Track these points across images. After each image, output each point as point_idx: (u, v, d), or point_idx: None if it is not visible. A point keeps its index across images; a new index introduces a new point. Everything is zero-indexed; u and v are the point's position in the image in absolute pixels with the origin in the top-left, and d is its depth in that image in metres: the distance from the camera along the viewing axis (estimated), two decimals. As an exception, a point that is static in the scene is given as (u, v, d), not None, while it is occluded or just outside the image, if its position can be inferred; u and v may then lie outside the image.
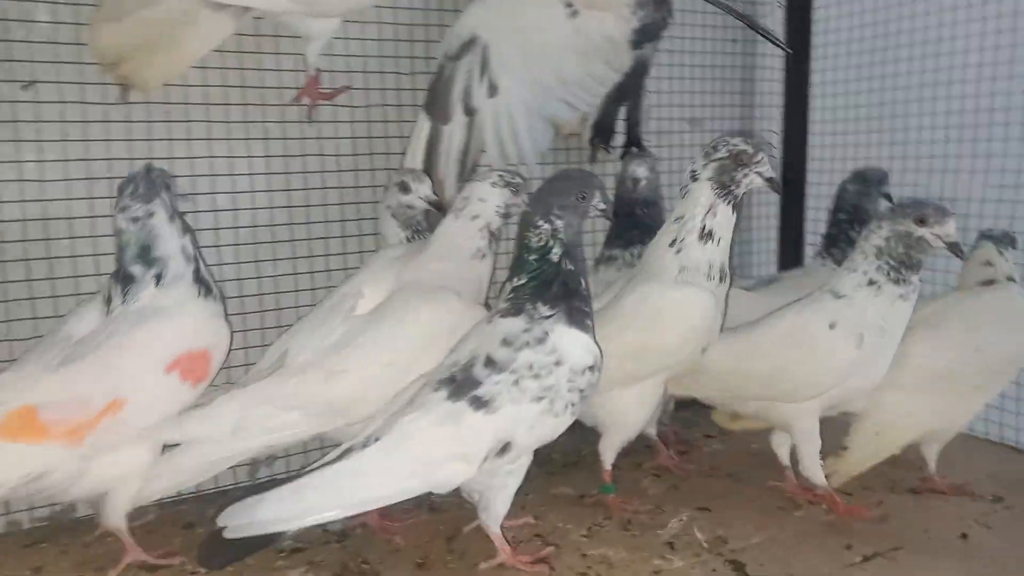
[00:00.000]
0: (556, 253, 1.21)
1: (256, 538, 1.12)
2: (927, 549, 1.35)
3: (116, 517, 1.26)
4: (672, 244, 1.39)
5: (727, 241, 1.39)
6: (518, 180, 1.46)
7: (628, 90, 1.92)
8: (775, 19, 2.16)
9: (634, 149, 1.98)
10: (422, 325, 1.33)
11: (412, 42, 1.77)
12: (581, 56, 1.75)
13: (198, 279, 1.29)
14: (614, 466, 1.51)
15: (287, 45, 1.63)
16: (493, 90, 1.69)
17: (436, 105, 1.69)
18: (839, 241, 1.80)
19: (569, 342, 1.18)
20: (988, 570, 1.29)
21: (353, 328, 1.35)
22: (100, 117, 1.48)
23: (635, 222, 1.76)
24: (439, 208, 1.58)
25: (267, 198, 1.65)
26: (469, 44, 1.66)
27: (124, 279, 1.26)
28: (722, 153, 1.37)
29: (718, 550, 1.34)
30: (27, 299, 1.46)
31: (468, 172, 1.72)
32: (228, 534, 1.11)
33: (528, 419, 1.16)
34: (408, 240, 1.58)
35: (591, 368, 1.19)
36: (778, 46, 2.09)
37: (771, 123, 2.21)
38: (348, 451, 1.16)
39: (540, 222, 1.21)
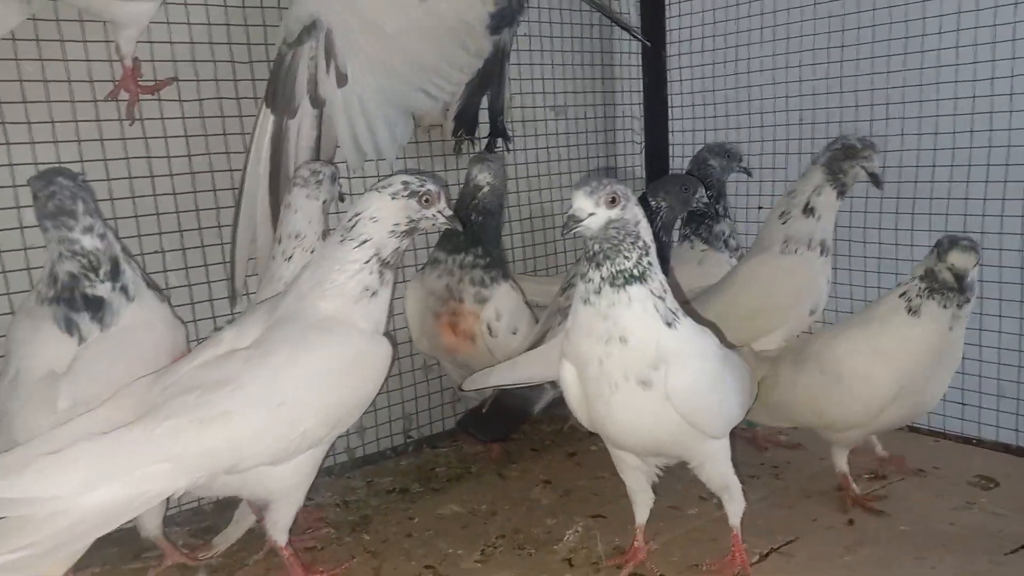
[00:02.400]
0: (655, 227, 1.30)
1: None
2: (818, 539, 1.34)
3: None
4: (781, 216, 1.61)
5: (827, 220, 1.59)
6: (429, 188, 1.20)
7: (489, 78, 1.81)
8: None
9: (498, 141, 1.90)
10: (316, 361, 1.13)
11: (247, 27, 1.58)
12: (435, 40, 1.62)
13: (149, 282, 1.26)
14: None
15: (95, 31, 1.40)
16: (342, 79, 1.53)
17: (279, 97, 1.51)
18: (704, 219, 1.81)
19: None
20: (877, 552, 1.30)
21: (227, 365, 1.12)
22: None
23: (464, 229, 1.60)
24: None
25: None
26: (311, 28, 1.49)
27: (91, 303, 1.20)
28: (836, 145, 1.57)
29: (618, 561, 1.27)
30: None
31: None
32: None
33: None
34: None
35: None
36: (635, 37, 2.07)
37: (632, 109, 2.18)
38: None
39: (651, 201, 1.44)
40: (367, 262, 1.17)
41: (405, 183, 1.19)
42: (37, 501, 0.98)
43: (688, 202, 1.48)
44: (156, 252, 1.49)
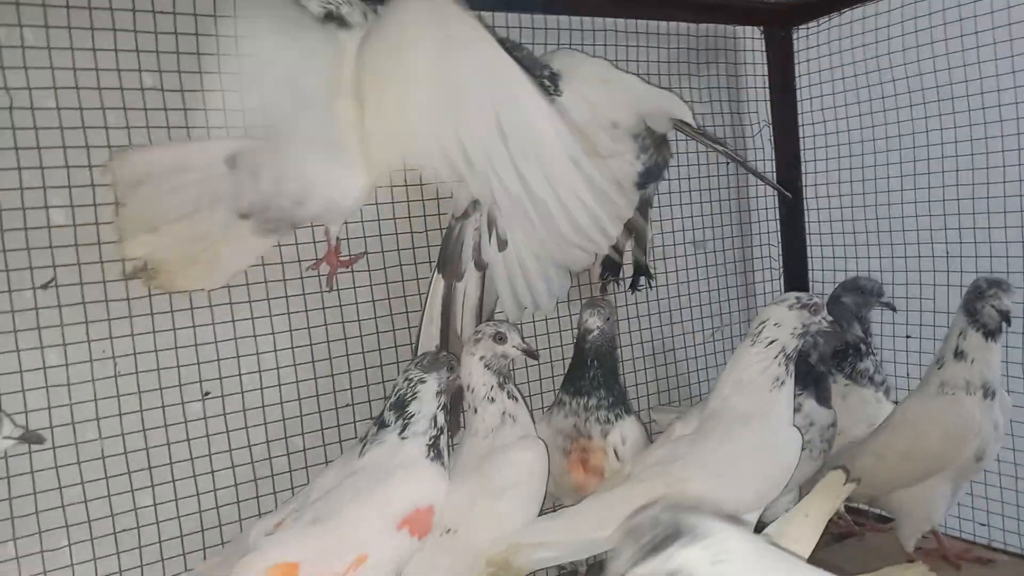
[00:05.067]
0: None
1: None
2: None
3: None
4: (937, 362, 1.70)
5: (983, 362, 1.64)
6: (815, 300, 1.52)
7: (634, 225, 1.98)
8: (763, 136, 2.25)
9: (641, 279, 2.05)
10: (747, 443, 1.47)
11: (423, 201, 1.83)
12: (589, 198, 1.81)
13: (433, 444, 1.44)
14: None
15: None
16: (503, 244, 1.72)
17: (449, 264, 1.73)
18: (848, 355, 1.84)
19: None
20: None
21: (677, 447, 1.50)
22: (124, 313, 1.50)
23: (586, 372, 1.74)
24: (534, 357, 1.65)
25: (292, 372, 1.67)
26: (475, 203, 1.71)
27: (380, 422, 1.43)
28: (970, 288, 1.68)
29: None
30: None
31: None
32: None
33: None
34: (499, 386, 1.56)
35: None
36: (775, 187, 2.17)
37: (769, 237, 2.27)
38: None
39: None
40: (775, 358, 1.48)
41: (797, 298, 1.52)
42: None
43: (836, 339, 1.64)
44: (347, 405, 1.73)
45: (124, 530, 1.48)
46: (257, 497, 1.60)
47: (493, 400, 1.58)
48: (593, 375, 1.75)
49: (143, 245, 1.43)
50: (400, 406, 1.43)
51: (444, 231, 1.74)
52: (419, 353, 1.69)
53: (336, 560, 1.32)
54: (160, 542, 1.51)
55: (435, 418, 1.45)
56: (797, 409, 1.62)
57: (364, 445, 1.44)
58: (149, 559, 1.50)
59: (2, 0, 1.39)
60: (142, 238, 1.43)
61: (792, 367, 1.49)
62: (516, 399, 1.59)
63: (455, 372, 1.52)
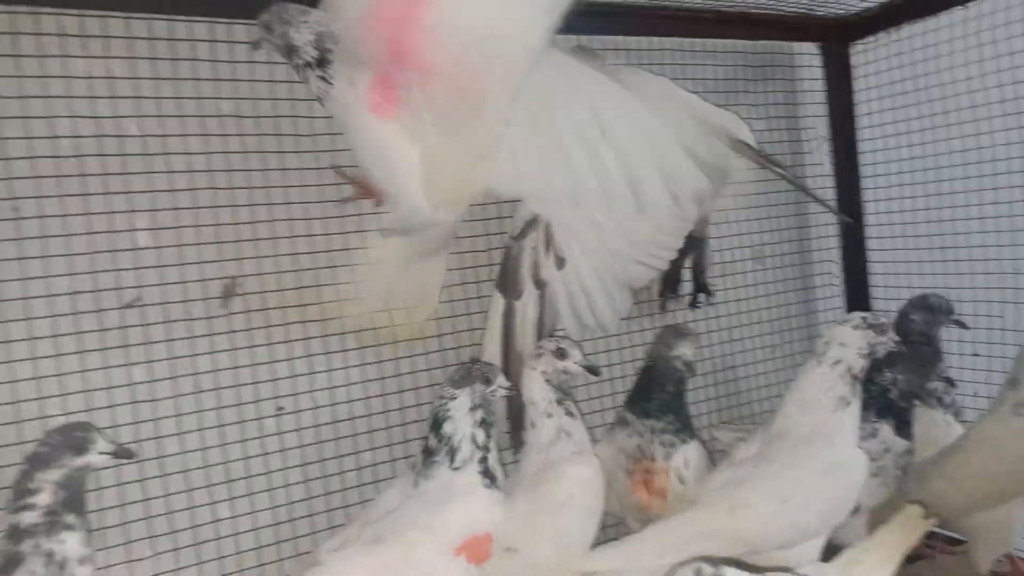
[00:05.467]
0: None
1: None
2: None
3: None
4: (1010, 382, 1.64)
5: None
6: (882, 320, 1.52)
7: (693, 242, 1.99)
8: (822, 153, 2.24)
9: (700, 296, 2.06)
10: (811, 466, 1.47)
11: (486, 220, 1.87)
12: (648, 216, 1.77)
13: (484, 469, 1.41)
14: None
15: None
16: (561, 263, 1.75)
17: (507, 283, 1.76)
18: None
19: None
20: None
21: (741, 470, 1.51)
22: (204, 331, 1.57)
23: (656, 395, 1.75)
24: (595, 373, 1.66)
25: (362, 389, 1.72)
26: (532, 223, 1.74)
27: (426, 451, 1.42)
28: None
29: None
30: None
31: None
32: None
33: None
34: (557, 402, 1.58)
35: None
36: (835, 214, 2.15)
37: (830, 253, 2.26)
38: None
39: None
40: (840, 377, 1.48)
41: (863, 318, 1.51)
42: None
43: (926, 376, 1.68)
44: (413, 422, 1.76)
45: (204, 541, 1.54)
46: (328, 511, 1.65)
47: (551, 415, 1.59)
48: (664, 399, 1.75)
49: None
50: (436, 426, 1.42)
51: (503, 250, 1.78)
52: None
53: None
54: (238, 553, 1.57)
55: (474, 437, 1.42)
56: (873, 435, 1.61)
57: (416, 475, 1.44)
58: (228, 570, 1.56)
59: (89, 34, 1.48)
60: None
61: (859, 387, 1.48)
62: (573, 415, 1.59)
63: (492, 384, 1.48)
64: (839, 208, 2.18)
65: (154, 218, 1.53)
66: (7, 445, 1.39)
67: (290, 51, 1.36)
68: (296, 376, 1.64)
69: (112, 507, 1.48)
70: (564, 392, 1.59)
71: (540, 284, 1.81)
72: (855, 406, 1.49)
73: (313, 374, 1.66)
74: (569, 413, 1.59)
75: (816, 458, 1.47)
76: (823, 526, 1.49)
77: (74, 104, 1.47)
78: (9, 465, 1.38)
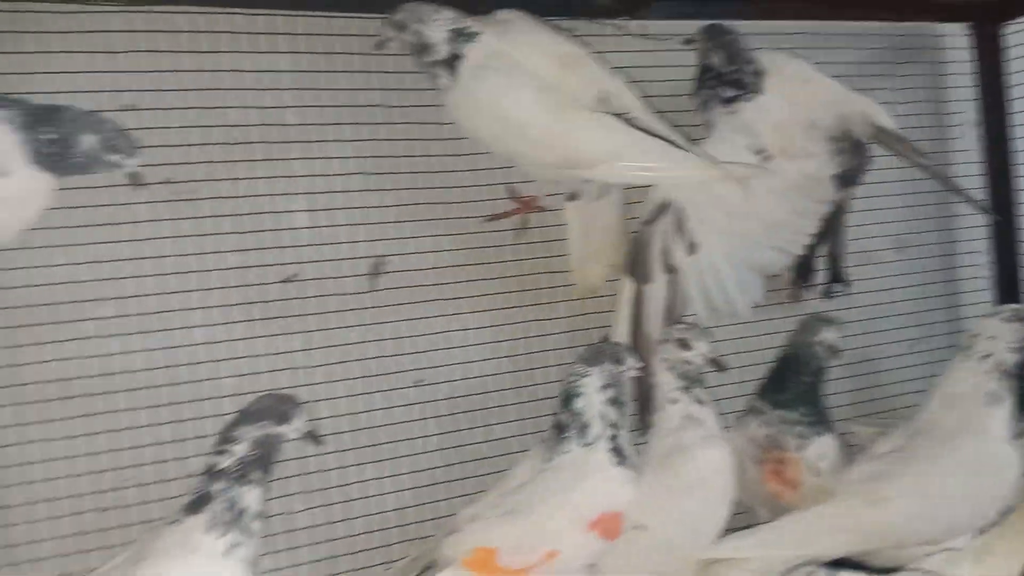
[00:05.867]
0: None
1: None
2: None
3: None
4: None
5: None
6: None
7: (829, 227, 1.92)
8: (969, 139, 2.14)
9: (836, 285, 2.00)
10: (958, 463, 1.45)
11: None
12: (783, 197, 1.76)
13: (615, 447, 1.46)
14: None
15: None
16: (692, 248, 1.76)
17: (637, 268, 1.77)
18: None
19: None
20: None
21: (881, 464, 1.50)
22: (355, 306, 1.69)
23: (792, 385, 1.73)
24: (721, 368, 1.64)
25: (497, 364, 1.79)
26: (663, 208, 1.74)
27: (557, 426, 1.49)
28: None
29: None
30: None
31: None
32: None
33: None
34: (682, 390, 1.59)
35: None
36: (983, 211, 2.03)
37: (973, 244, 2.15)
38: None
39: None
40: (989, 372, 1.45)
41: (1015, 310, 1.49)
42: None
43: None
44: (545, 398, 1.81)
45: (351, 499, 1.65)
46: (463, 479, 1.72)
47: (675, 402, 1.61)
48: (799, 389, 1.73)
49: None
50: (567, 402, 1.47)
51: (633, 235, 1.80)
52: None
53: (529, 552, 1.41)
54: (380, 512, 1.68)
55: (604, 415, 1.47)
56: (1029, 434, 1.55)
57: (548, 450, 1.50)
58: (372, 528, 1.66)
59: (247, 30, 1.62)
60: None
61: (1012, 383, 1.42)
62: (702, 403, 1.60)
63: (623, 364, 1.52)
64: (989, 196, 2.07)
65: (311, 200, 1.67)
66: (185, 402, 1.56)
67: (423, 49, 1.44)
68: (435, 351, 1.74)
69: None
70: (692, 379, 1.60)
71: (670, 270, 1.80)
72: (1008, 403, 1.42)
73: (450, 349, 1.75)
74: (698, 401, 1.59)
75: (962, 454, 1.43)
76: (969, 525, 1.44)
77: (245, 96, 1.62)
78: (187, 419, 1.56)
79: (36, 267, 1.47)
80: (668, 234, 1.77)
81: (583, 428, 1.48)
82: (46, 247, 1.46)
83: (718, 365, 1.62)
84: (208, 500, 1.24)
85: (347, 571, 1.63)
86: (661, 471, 1.57)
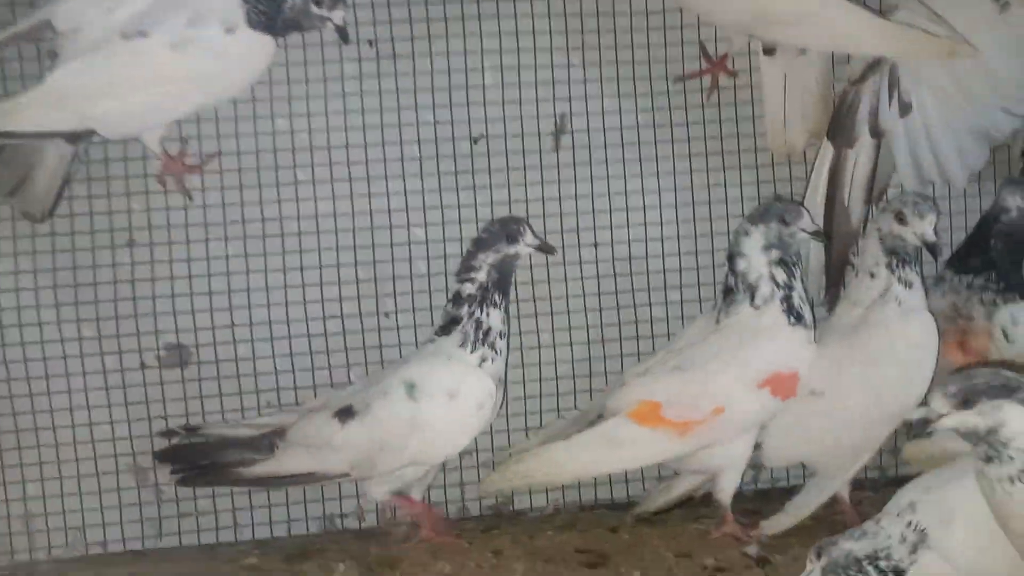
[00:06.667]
0: None
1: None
2: None
3: (724, 495, 1.51)
4: None
5: None
6: None
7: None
8: None
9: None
10: None
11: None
12: (1016, 50, 1.58)
13: (789, 307, 1.45)
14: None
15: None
16: (905, 109, 1.60)
17: (839, 131, 1.65)
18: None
19: None
20: None
21: None
22: (535, 164, 1.72)
23: (981, 250, 1.64)
24: (935, 252, 1.52)
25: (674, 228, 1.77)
26: (874, 65, 1.60)
27: (726, 289, 1.51)
28: None
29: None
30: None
31: (875, 197, 1.67)
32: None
33: None
34: (887, 266, 1.50)
35: None
36: None
37: None
38: None
39: None
40: None
41: None
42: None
43: None
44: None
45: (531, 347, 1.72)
46: (637, 337, 1.75)
47: (874, 276, 1.52)
48: (989, 255, 1.62)
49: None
50: (731, 262, 1.46)
51: (838, 98, 1.66)
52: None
53: (694, 408, 1.43)
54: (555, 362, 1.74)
55: (773, 276, 1.43)
56: None
57: (718, 312, 1.50)
58: (547, 376, 1.73)
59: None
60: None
61: None
62: (909, 285, 1.49)
63: (791, 225, 1.45)
64: None
65: (499, 59, 1.70)
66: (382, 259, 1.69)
67: None
68: (616, 210, 1.74)
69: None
70: (900, 256, 1.49)
71: (877, 133, 1.67)
72: None
73: (628, 210, 1.75)
74: (903, 282, 1.49)
75: None
76: None
77: None
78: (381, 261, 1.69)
79: (260, 118, 1.63)
80: (878, 94, 1.64)
81: (751, 290, 1.46)
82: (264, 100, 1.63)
83: (934, 250, 1.49)
84: (458, 322, 1.43)
85: (520, 423, 1.71)
86: (847, 341, 1.51)
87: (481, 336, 1.42)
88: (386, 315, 1.71)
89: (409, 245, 1.70)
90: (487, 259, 1.42)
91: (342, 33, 1.42)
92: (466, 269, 1.43)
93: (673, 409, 1.44)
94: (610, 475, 1.67)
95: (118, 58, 1.36)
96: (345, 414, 1.42)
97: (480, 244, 1.44)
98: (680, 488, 1.61)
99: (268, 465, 1.45)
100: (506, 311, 1.45)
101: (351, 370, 1.68)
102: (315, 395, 1.64)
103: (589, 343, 1.74)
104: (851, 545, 1.12)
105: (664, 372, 1.50)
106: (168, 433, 1.50)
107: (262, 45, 1.40)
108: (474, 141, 1.72)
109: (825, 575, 1.16)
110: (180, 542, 1.64)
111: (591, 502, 1.72)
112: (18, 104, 1.36)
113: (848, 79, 1.64)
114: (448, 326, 1.44)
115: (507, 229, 1.44)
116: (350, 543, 1.58)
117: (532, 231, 1.45)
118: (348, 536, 1.64)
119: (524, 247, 1.44)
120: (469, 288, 1.42)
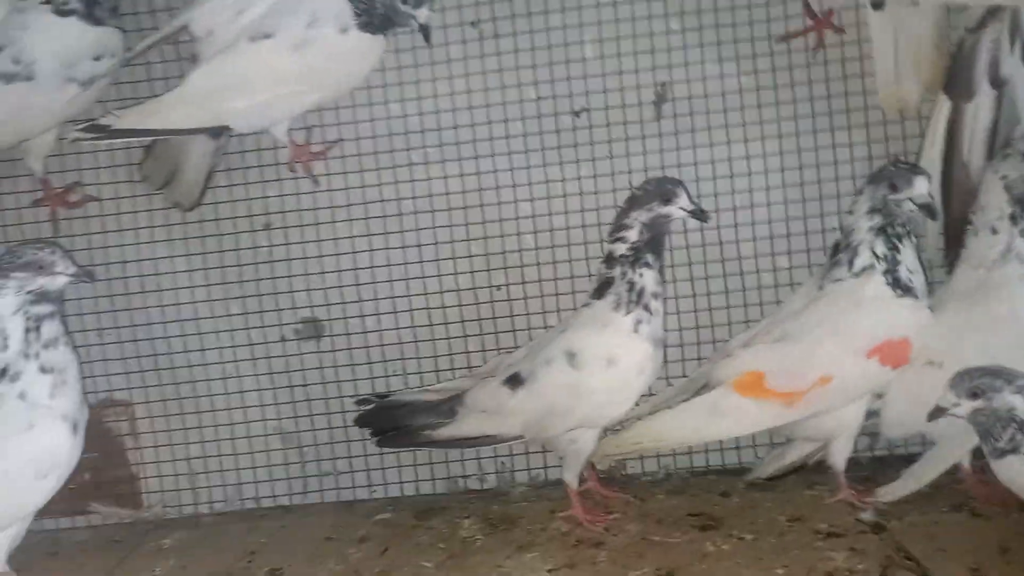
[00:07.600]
0: None
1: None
2: None
3: (838, 461, 1.50)
4: None
5: None
6: None
7: None
8: None
9: None
10: None
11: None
12: None
13: (894, 280, 1.42)
14: None
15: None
16: (1031, 57, 1.53)
17: (957, 83, 1.59)
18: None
19: None
20: None
21: None
22: (636, 134, 1.75)
23: None
24: None
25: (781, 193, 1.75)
26: (995, 11, 1.53)
27: (833, 250, 1.50)
28: None
29: None
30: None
31: (996, 151, 1.59)
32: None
33: None
34: (1012, 218, 1.45)
35: None
36: None
37: None
38: None
39: None
40: None
41: None
42: None
43: None
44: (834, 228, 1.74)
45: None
46: (745, 305, 1.75)
47: (996, 231, 1.46)
48: None
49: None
50: (844, 235, 1.43)
51: (954, 49, 1.59)
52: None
53: (798, 377, 1.42)
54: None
55: (872, 245, 1.39)
56: None
57: (821, 279, 1.48)
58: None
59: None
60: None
61: None
62: None
63: (899, 190, 1.39)
64: None
65: (599, 31, 1.74)
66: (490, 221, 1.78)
67: None
68: (721, 178, 1.75)
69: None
70: None
71: (999, 83, 1.60)
72: None
73: (733, 177, 1.74)
74: None
75: None
76: None
77: None
78: (492, 237, 1.78)
79: (375, 104, 1.76)
80: (999, 41, 1.57)
81: (852, 255, 1.43)
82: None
83: None
84: (611, 284, 1.42)
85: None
86: (966, 306, 1.46)
87: (635, 298, 1.39)
88: (497, 288, 1.79)
89: (516, 220, 1.77)
90: (639, 217, 1.38)
91: (425, 32, 1.48)
92: (618, 228, 1.41)
93: (777, 379, 1.43)
94: (720, 441, 1.69)
95: (245, 59, 1.49)
96: (514, 382, 1.47)
97: (633, 201, 1.41)
98: (793, 454, 1.61)
99: (451, 428, 1.52)
100: (661, 272, 1.42)
101: (467, 341, 1.79)
102: (435, 364, 1.77)
103: (696, 311, 1.75)
104: (1017, 401, 1.11)
105: (767, 341, 1.49)
106: (363, 400, 1.62)
107: (371, 42, 1.50)
108: (576, 115, 1.76)
109: (976, 416, 1.16)
110: (321, 498, 1.81)
111: (702, 468, 1.75)
112: (162, 104, 1.50)
113: (964, 28, 1.57)
114: (601, 288, 1.43)
115: (662, 189, 1.39)
116: (473, 501, 1.69)
117: (688, 195, 1.40)
118: (471, 495, 1.76)
119: (678, 210, 1.39)
120: (620, 248, 1.40)
